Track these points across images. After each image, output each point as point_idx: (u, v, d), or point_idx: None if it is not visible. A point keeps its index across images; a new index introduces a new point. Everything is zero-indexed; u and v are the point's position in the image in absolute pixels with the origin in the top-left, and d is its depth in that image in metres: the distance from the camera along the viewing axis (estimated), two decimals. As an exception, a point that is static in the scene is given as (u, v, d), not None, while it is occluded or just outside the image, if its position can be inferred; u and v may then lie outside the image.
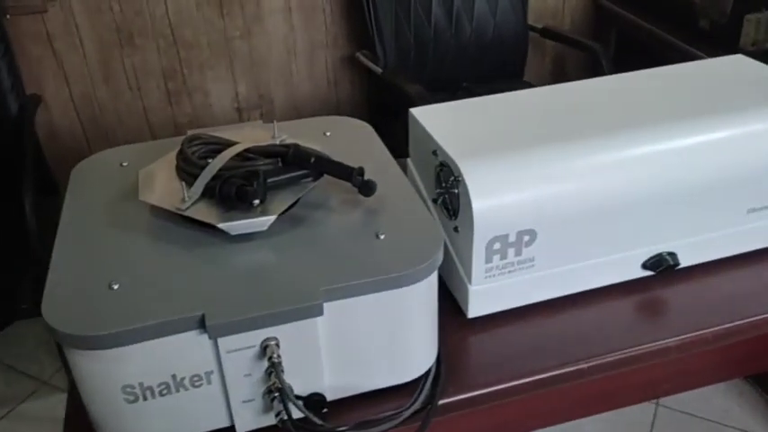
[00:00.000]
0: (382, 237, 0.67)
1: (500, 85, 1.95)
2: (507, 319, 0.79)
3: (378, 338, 0.65)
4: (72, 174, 0.80)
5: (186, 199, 0.67)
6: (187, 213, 0.66)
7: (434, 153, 0.79)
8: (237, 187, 0.65)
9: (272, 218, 0.66)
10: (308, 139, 0.80)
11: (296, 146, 0.70)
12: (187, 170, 0.71)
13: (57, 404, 1.71)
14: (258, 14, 1.86)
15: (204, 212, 0.67)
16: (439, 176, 0.79)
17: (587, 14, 2.17)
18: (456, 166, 0.73)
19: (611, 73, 1.77)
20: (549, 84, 2.26)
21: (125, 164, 0.81)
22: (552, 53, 2.19)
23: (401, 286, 0.63)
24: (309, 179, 0.71)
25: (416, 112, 0.85)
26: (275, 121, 0.79)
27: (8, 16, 1.66)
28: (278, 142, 0.77)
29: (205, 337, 0.59)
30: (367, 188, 0.69)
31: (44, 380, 1.77)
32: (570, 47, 2.03)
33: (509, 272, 0.76)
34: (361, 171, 0.68)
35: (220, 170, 0.69)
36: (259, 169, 0.67)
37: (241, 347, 0.60)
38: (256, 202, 0.66)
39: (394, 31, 1.80)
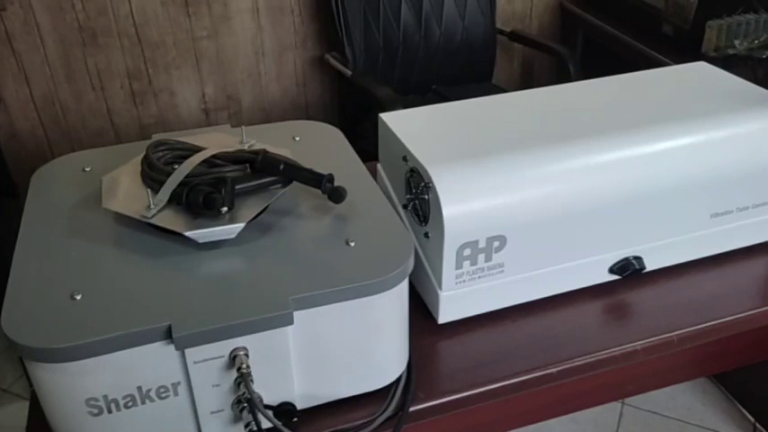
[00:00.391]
0: (352, 244, 0.66)
1: (469, 88, 1.97)
2: (477, 324, 0.79)
3: (348, 346, 0.65)
4: (32, 179, 0.77)
5: (152, 206, 0.66)
6: (153, 221, 0.65)
7: (404, 159, 0.78)
8: (205, 195, 0.64)
9: (240, 225, 0.65)
10: (277, 143, 0.79)
11: (264, 152, 0.69)
12: (152, 177, 0.69)
13: (17, 412, 1.66)
14: (225, 14, 1.83)
15: (170, 220, 0.65)
16: (409, 182, 0.79)
17: (554, 18, 2.20)
18: (426, 172, 0.73)
19: (577, 76, 1.80)
20: (519, 86, 2.28)
21: (87, 169, 0.79)
22: (521, 57, 2.21)
23: (372, 294, 0.63)
24: (278, 186, 0.70)
25: (386, 117, 0.85)
26: (243, 127, 0.78)
27: (-35, 14, 1.61)
28: (246, 147, 0.76)
29: (172, 347, 0.57)
30: (337, 195, 0.68)
31: (4, 388, 1.72)
32: (540, 51, 2.04)
33: (479, 277, 0.76)
34: (330, 178, 0.68)
35: (187, 177, 0.67)
36: (227, 176, 0.66)
37: (209, 358, 0.59)
38: (224, 209, 0.65)
39: (363, 34, 1.79)
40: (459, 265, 0.74)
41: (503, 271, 0.77)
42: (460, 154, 0.76)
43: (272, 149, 0.74)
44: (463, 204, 0.72)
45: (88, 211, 0.71)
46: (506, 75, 2.21)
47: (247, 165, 0.70)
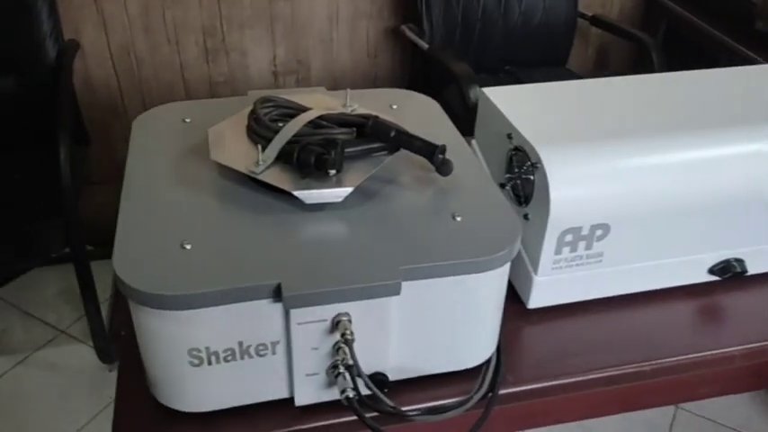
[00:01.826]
0: (459, 219, 0.64)
1: (543, 72, 1.92)
2: (566, 312, 0.77)
3: (446, 323, 0.64)
4: (134, 125, 0.77)
5: (260, 162, 0.65)
6: (261, 177, 0.64)
7: (509, 136, 0.76)
8: (317, 155, 0.62)
9: (348, 189, 0.64)
10: (375, 110, 0.77)
11: (376, 118, 0.68)
12: (259, 132, 0.68)
13: (73, 353, 1.71)
14: (304, -23, 1.81)
15: (278, 178, 0.64)
16: (511, 161, 0.76)
17: (636, 5, 2.12)
18: (534, 151, 0.70)
19: (661, 68, 1.73)
20: (592, 73, 2.20)
21: (187, 120, 0.79)
22: (597, 43, 2.14)
23: (478, 272, 0.61)
24: (384, 152, 0.69)
25: (489, 92, 0.82)
26: (348, 90, 0.76)
27: (51, -43, 1.62)
28: (349, 111, 0.75)
29: (278, 306, 0.57)
30: (445, 167, 0.67)
31: (61, 329, 1.77)
32: (621, 37, 1.98)
33: (576, 265, 0.74)
34: (443, 149, 0.66)
35: (294, 135, 0.66)
36: (337, 138, 0.65)
37: (312, 320, 0.58)
38: (332, 171, 0.64)
39: (443, 7, 1.75)
40: (558, 251, 0.72)
41: (601, 261, 0.74)
42: (568, 136, 0.73)
43: (365, 112, 0.73)
44: (571, 188, 0.70)
45: (192, 161, 0.71)
46: (580, 60, 2.14)
47: (354, 128, 0.69)
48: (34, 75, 1.61)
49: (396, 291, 0.58)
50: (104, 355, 1.63)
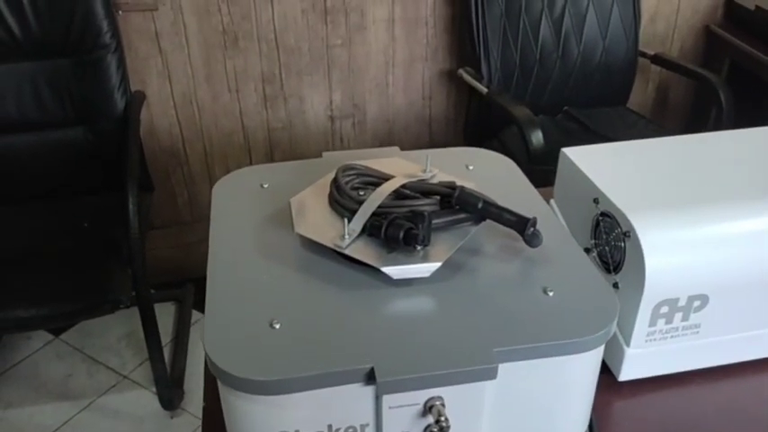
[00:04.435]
0: (551, 294, 0.62)
1: (603, 112, 1.88)
2: (659, 384, 0.73)
3: (538, 403, 0.61)
4: (214, 192, 0.78)
5: (346, 236, 0.64)
6: (348, 252, 0.63)
7: (595, 201, 0.73)
8: (406, 230, 0.61)
9: (437, 264, 0.62)
10: (450, 172, 0.76)
11: (462, 188, 0.66)
12: (343, 204, 0.67)
13: (136, 399, 1.72)
14: (361, 24, 1.84)
15: (365, 253, 0.63)
16: (598, 226, 0.74)
17: (697, 42, 2.07)
18: (626, 219, 0.67)
19: (729, 107, 1.68)
20: (652, 112, 2.15)
21: (265, 185, 0.79)
22: (657, 81, 2.10)
23: (574, 353, 0.58)
24: (470, 223, 0.67)
25: (570, 153, 0.80)
26: (428, 153, 0.75)
27: (120, 12, 1.68)
28: (428, 177, 0.74)
29: (369, 390, 0.55)
30: (535, 239, 0.64)
31: (125, 374, 1.79)
32: (685, 76, 1.93)
33: (671, 337, 0.70)
34: (535, 222, 0.64)
35: (378, 207, 0.65)
36: (425, 211, 0.64)
37: (404, 404, 0.56)
38: (419, 246, 0.62)
39: (500, 50, 1.75)
40: (653, 323, 0.69)
41: (698, 332, 0.70)
42: (660, 200, 0.70)
43: (445, 178, 0.71)
44: (667, 258, 0.66)
45: (274, 231, 0.70)
46: (640, 99, 2.10)
47: (438, 197, 0.68)
48: (103, 125, 1.66)
49: (492, 375, 0.56)
50: (166, 402, 1.64)
